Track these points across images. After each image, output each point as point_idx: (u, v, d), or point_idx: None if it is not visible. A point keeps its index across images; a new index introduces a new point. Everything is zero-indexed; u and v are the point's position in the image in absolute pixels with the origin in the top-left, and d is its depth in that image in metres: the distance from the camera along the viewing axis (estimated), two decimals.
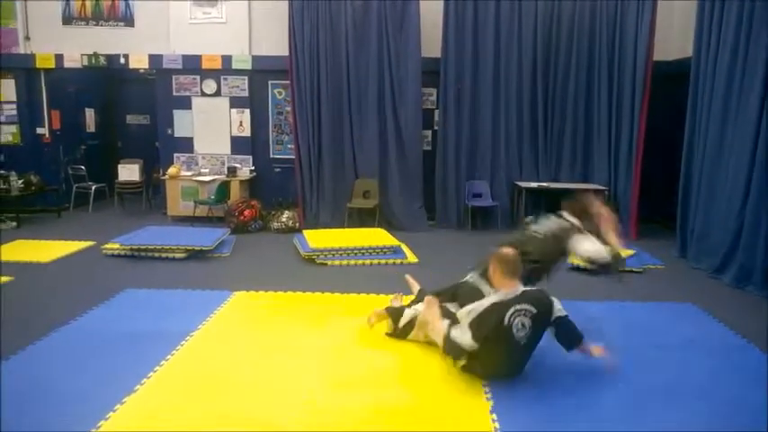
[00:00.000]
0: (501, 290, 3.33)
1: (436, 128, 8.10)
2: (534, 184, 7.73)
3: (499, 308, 3.21)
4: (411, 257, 6.21)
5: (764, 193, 5.20)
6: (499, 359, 3.25)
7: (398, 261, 6.08)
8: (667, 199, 7.02)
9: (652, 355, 3.71)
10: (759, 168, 5.29)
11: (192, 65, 8.21)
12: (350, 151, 7.96)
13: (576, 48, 7.72)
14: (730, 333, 4.20)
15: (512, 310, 3.17)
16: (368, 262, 5.99)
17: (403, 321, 3.89)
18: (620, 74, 7.63)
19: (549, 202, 7.94)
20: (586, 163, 7.98)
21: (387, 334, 3.94)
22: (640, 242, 7.06)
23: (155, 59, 8.24)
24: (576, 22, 7.69)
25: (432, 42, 7.76)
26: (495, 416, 2.92)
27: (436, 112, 8.10)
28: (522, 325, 3.17)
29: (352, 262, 5.97)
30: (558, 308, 3.38)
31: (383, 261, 6.03)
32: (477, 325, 3.23)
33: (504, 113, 7.86)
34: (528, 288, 3.37)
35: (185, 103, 8.35)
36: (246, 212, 7.48)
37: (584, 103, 7.83)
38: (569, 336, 3.38)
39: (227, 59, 8.18)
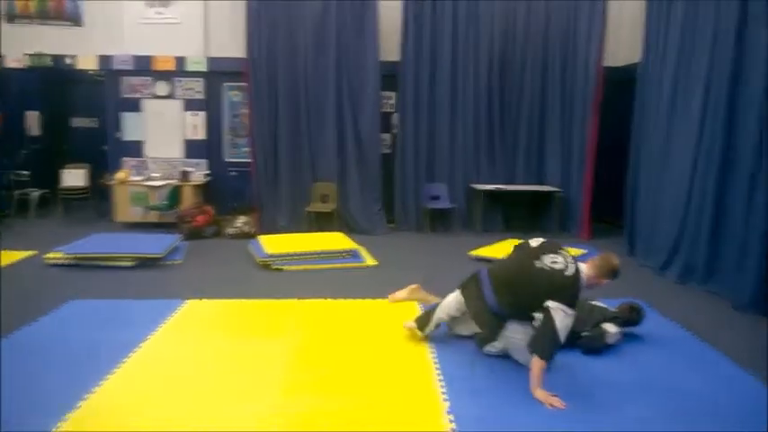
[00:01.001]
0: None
1: (395, 131, 8.13)
2: (491, 187, 7.84)
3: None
4: (370, 260, 6.21)
5: (706, 193, 5.41)
6: None
7: (357, 264, 6.07)
8: (618, 200, 7.22)
9: (601, 347, 3.80)
10: (701, 170, 5.51)
11: (143, 66, 8.03)
12: (308, 154, 7.91)
13: (530, 53, 7.89)
14: (675, 326, 4.36)
15: None
16: (326, 266, 5.96)
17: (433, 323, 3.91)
18: (572, 79, 7.83)
19: (504, 204, 8.11)
20: (540, 165, 8.15)
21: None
22: (592, 242, 7.26)
23: (104, 60, 8.02)
24: (531, 28, 7.86)
25: (390, 46, 7.80)
26: (452, 416, 2.94)
27: (395, 115, 8.13)
28: None
29: (309, 267, 5.93)
30: (554, 306, 3.20)
31: (341, 265, 6.01)
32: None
33: (461, 117, 7.96)
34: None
35: (136, 106, 8.15)
36: (200, 218, 7.34)
37: (538, 106, 8.00)
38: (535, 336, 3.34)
39: (180, 61, 8.03)
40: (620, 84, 7.51)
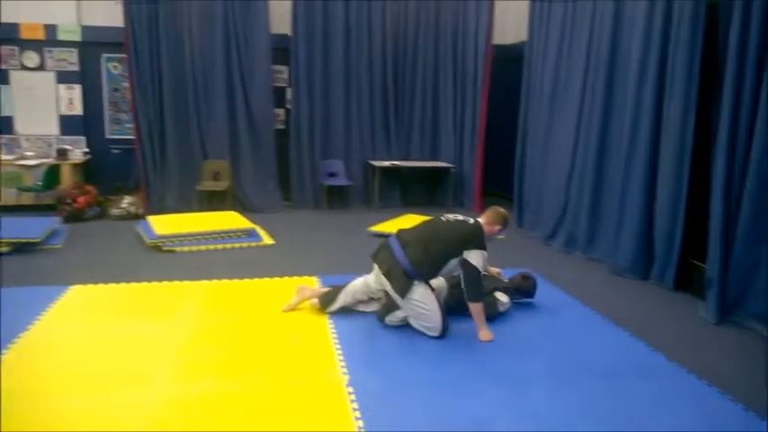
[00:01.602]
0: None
1: (288, 106, 7.96)
2: (387, 163, 7.91)
3: None
4: (267, 239, 6.08)
5: (586, 168, 5.77)
6: None
7: (253, 244, 5.92)
8: (508, 175, 7.54)
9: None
10: (582, 146, 5.86)
11: (8, 35, 7.24)
12: (196, 131, 7.55)
13: (422, 31, 7.99)
14: (559, 291, 4.66)
15: None
16: (220, 247, 5.76)
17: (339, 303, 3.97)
18: (463, 57, 8.03)
19: (401, 180, 8.23)
20: (434, 142, 8.33)
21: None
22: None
23: None
24: (424, 6, 7.94)
25: (281, 19, 7.57)
26: (351, 389, 2.96)
27: (288, 90, 7.95)
28: None
29: (203, 247, 5.70)
30: (468, 253, 3.62)
31: (237, 245, 5.83)
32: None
33: (355, 93, 7.93)
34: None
35: (2, 78, 7.37)
36: (81, 199, 6.82)
37: (431, 83, 8.14)
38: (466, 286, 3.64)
39: (51, 29, 7.34)
40: (510, 62, 7.81)
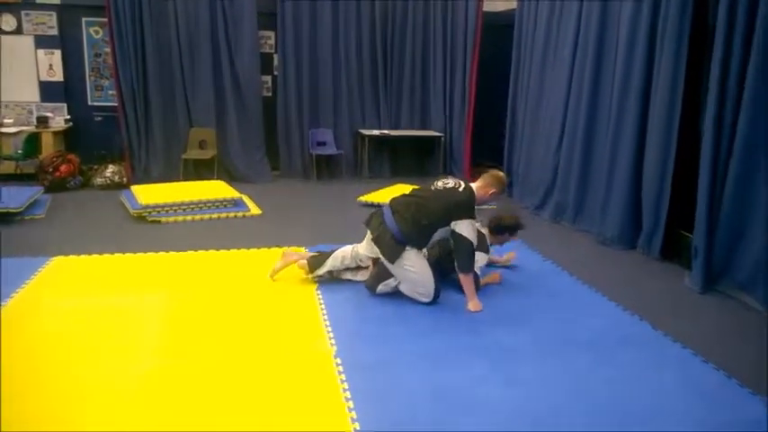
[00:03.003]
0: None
1: (276, 73, 7.80)
2: (377, 132, 7.82)
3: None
4: (254, 209, 6.02)
5: (575, 138, 5.73)
6: None
7: (240, 214, 5.86)
8: (498, 143, 7.48)
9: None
10: (571, 115, 5.81)
11: None
12: (182, 97, 7.40)
13: None
14: (547, 262, 4.67)
15: None
16: (206, 216, 5.69)
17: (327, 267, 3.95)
18: (453, 24, 7.89)
19: (391, 150, 8.16)
20: (424, 111, 8.23)
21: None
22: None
23: None
24: None
25: None
26: (339, 359, 2.96)
27: (275, 56, 7.79)
28: None
29: (189, 218, 5.63)
30: (458, 223, 3.58)
31: (223, 215, 5.77)
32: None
33: (344, 60, 7.78)
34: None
35: None
36: (63, 168, 6.68)
37: (420, 52, 8.00)
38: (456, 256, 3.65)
39: None
40: (501, 29, 7.67)
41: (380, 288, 3.79)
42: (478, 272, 3.95)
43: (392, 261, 3.63)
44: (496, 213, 4.30)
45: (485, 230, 4.15)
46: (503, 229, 4.15)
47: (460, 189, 3.69)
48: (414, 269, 3.64)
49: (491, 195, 3.82)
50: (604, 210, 5.32)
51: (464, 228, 3.57)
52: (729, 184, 4.02)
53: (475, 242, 3.61)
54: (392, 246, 3.61)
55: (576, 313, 3.70)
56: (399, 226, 3.60)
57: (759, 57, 3.75)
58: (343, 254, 3.96)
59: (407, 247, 3.63)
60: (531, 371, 2.94)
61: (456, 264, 3.66)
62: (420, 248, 3.75)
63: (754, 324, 3.61)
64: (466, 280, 3.66)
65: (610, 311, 3.75)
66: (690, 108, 4.52)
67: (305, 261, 3.99)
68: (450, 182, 3.77)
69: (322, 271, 3.96)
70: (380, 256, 3.68)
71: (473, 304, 3.64)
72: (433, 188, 3.77)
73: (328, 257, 3.97)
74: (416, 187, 4.06)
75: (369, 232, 3.77)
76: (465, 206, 3.62)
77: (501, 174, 3.90)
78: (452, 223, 3.60)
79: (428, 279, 3.64)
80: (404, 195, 3.89)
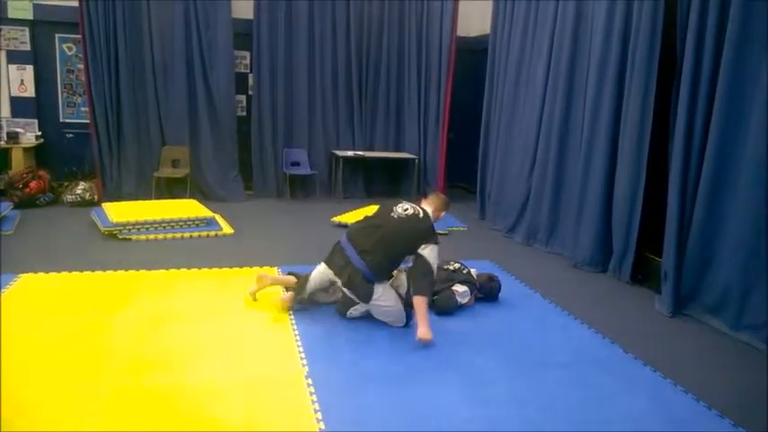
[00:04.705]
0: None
1: (251, 92, 7.80)
2: (351, 153, 7.84)
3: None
4: (227, 229, 5.95)
5: (548, 161, 5.83)
6: None
7: (212, 233, 5.79)
8: (471, 166, 7.56)
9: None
10: (543, 139, 5.91)
11: None
12: (155, 115, 7.33)
13: (387, 21, 7.90)
14: (519, 284, 4.71)
15: None
16: (178, 235, 5.61)
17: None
18: (428, 48, 8.01)
19: (365, 171, 8.18)
20: (398, 133, 8.30)
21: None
22: None
23: None
24: None
25: (244, 3, 7.41)
26: (310, 380, 2.92)
27: (250, 76, 7.79)
28: None
29: (161, 236, 5.55)
30: (422, 248, 3.54)
31: (195, 234, 5.70)
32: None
33: (319, 81, 7.82)
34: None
35: None
36: (32, 184, 6.55)
37: (395, 74, 8.09)
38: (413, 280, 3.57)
39: (0, 6, 7.00)
40: (474, 54, 7.81)
41: (351, 312, 3.76)
42: (462, 301, 3.98)
43: (367, 301, 3.64)
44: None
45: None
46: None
47: (421, 216, 3.71)
48: (386, 303, 3.65)
49: (440, 218, 3.96)
50: (576, 233, 5.39)
51: (428, 252, 3.55)
52: (698, 210, 4.12)
53: (435, 268, 3.58)
54: (364, 286, 3.60)
55: (547, 336, 3.73)
56: (369, 265, 3.58)
57: (725, 86, 3.88)
58: (314, 279, 3.86)
59: (375, 283, 3.63)
60: (501, 392, 2.94)
61: (413, 286, 3.54)
62: (387, 281, 3.75)
63: (723, 348, 3.68)
64: (420, 303, 3.46)
65: (581, 334, 3.79)
66: (659, 135, 4.64)
67: (287, 296, 3.88)
68: (409, 208, 3.75)
69: (304, 295, 3.88)
70: (354, 298, 3.68)
71: (422, 331, 3.40)
72: (393, 215, 3.70)
73: (306, 281, 3.88)
74: (371, 211, 4.01)
75: (332, 271, 3.71)
76: (430, 233, 3.64)
77: (444, 196, 4.09)
78: (420, 248, 3.56)
79: (399, 309, 3.67)
80: (363, 227, 3.80)
